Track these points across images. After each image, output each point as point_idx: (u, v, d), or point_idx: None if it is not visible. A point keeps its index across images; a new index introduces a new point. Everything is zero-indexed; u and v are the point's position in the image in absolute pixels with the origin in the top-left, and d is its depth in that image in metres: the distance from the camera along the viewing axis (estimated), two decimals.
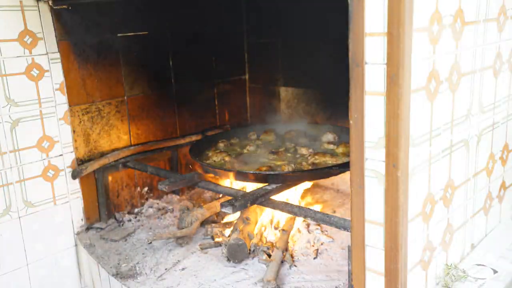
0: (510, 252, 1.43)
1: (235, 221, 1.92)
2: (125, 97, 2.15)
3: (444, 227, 1.26)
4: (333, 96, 2.31)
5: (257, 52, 2.61)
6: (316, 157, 1.84)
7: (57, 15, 1.87)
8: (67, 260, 2.03)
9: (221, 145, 2.15)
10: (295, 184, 1.77)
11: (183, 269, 1.73)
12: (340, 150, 1.95)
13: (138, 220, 2.15)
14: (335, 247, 1.77)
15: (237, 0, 2.54)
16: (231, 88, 2.61)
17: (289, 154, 1.97)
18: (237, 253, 1.71)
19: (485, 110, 1.34)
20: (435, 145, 1.14)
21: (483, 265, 1.37)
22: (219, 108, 2.55)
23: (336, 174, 1.72)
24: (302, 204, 2.08)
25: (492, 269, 1.34)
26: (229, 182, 2.06)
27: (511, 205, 1.62)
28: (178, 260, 1.79)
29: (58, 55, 1.90)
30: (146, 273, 1.72)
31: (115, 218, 2.15)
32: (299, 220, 1.90)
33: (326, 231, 1.88)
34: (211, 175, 1.85)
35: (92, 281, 1.93)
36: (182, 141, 2.34)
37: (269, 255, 1.71)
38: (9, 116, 1.80)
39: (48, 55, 1.87)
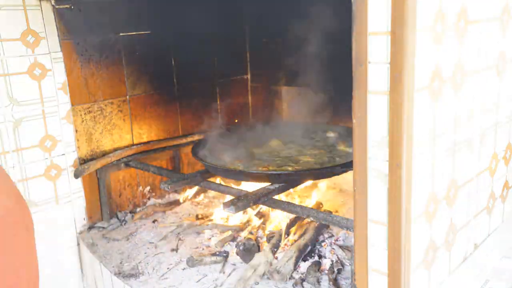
0: None
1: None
2: (127, 97, 2.15)
3: (447, 227, 1.26)
4: (335, 95, 2.30)
5: (259, 51, 2.60)
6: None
7: (59, 15, 1.87)
8: (69, 260, 2.03)
9: (223, 144, 2.14)
10: (299, 184, 1.77)
11: (185, 268, 1.73)
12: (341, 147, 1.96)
13: (140, 220, 2.15)
14: None
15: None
16: (233, 87, 2.61)
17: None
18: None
19: (488, 109, 1.34)
20: (438, 145, 1.14)
21: (486, 265, 1.36)
22: (221, 107, 2.55)
23: (339, 174, 1.72)
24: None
25: (495, 269, 1.34)
26: (233, 181, 2.06)
27: None
28: (181, 259, 1.79)
29: (60, 54, 1.90)
30: (148, 272, 1.72)
31: (117, 218, 2.15)
32: None
33: None
34: (214, 174, 1.85)
35: (95, 280, 1.93)
36: (184, 141, 2.33)
37: None
38: (12, 115, 1.80)
39: (51, 54, 1.87)
